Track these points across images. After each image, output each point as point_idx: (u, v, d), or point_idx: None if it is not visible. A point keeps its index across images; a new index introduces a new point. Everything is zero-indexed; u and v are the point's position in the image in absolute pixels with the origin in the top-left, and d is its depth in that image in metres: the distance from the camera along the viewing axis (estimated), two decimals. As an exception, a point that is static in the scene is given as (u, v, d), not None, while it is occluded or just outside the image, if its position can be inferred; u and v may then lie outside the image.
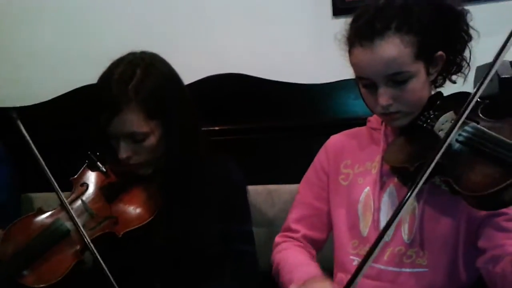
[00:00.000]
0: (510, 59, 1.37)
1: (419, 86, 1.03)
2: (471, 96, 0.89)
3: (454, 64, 1.08)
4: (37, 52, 1.83)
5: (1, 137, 1.56)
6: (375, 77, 1.03)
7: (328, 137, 1.28)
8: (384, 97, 1.03)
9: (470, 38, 1.07)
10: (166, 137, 1.18)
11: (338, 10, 1.62)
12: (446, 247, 1.04)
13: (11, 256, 1.15)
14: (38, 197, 1.69)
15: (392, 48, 0.99)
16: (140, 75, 1.14)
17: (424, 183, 0.90)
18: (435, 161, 0.88)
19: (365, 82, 1.06)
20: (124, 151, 1.16)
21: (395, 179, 1.09)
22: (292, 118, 1.68)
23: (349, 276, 0.92)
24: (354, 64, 1.06)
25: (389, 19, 1.00)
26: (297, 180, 1.52)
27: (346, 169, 1.18)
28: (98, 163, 1.25)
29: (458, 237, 1.04)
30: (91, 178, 1.28)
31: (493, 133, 0.89)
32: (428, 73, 1.04)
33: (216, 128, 1.68)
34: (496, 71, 1.37)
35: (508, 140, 0.85)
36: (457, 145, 0.93)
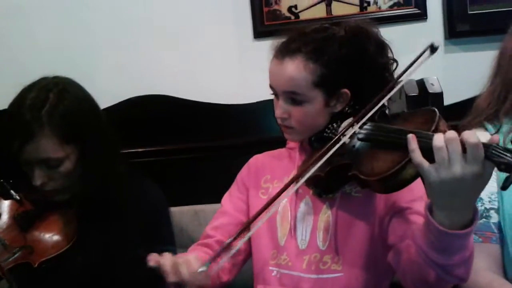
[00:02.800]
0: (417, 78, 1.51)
1: (312, 112, 1.09)
2: (370, 104, 1.00)
3: (362, 99, 1.11)
4: None
5: None
6: (277, 89, 1.11)
7: (252, 156, 1.31)
8: (280, 110, 1.11)
9: (389, 69, 1.12)
10: (82, 161, 1.17)
11: (258, 33, 1.69)
12: (361, 252, 1.09)
13: None
14: None
15: (295, 69, 1.06)
16: (53, 100, 1.13)
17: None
18: (332, 151, 0.97)
19: (272, 91, 1.13)
20: (38, 178, 1.14)
21: (310, 192, 1.14)
22: (216, 138, 1.71)
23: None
24: (269, 73, 1.13)
25: (304, 44, 1.06)
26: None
27: (265, 184, 1.22)
28: (11, 191, 1.21)
29: (372, 241, 1.09)
30: (4, 206, 1.24)
31: (387, 125, 0.98)
32: (327, 104, 1.10)
33: (140, 150, 1.67)
34: (404, 90, 1.49)
35: (399, 127, 0.94)
36: (358, 143, 1.01)
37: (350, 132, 1.01)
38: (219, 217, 1.26)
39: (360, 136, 1.01)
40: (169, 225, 1.32)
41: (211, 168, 1.68)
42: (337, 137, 1.01)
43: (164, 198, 1.32)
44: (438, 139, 0.81)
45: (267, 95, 1.17)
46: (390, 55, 1.11)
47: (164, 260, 0.94)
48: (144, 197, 1.28)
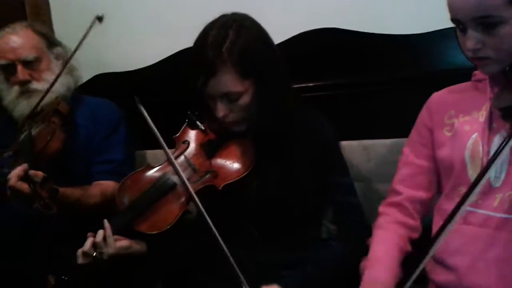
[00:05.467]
0: None
1: (510, 34, 0.96)
2: None
3: None
4: (139, 22, 1.96)
5: (115, 99, 1.71)
6: (464, 18, 0.99)
7: (427, 90, 1.24)
8: (471, 41, 0.99)
9: None
10: (259, 95, 1.22)
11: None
12: None
13: (127, 206, 1.30)
14: (147, 154, 1.84)
15: None
16: (232, 37, 1.18)
17: None
18: None
19: (457, 24, 1.02)
20: (220, 110, 1.22)
21: (507, 125, 1.03)
22: (389, 71, 1.63)
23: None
24: (448, 5, 1.03)
25: None
26: (393, 135, 1.50)
27: (450, 120, 1.15)
28: (197, 121, 1.33)
29: None
30: (192, 136, 1.36)
31: None
32: None
33: (310, 84, 1.68)
34: None
35: None
36: None
37: None
38: (403, 168, 1.23)
39: None
40: (341, 157, 1.33)
41: (383, 102, 1.63)
42: None
43: (334, 131, 1.32)
44: None
45: (447, 22, 1.07)
46: None
47: None
48: (315, 130, 1.30)
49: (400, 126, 1.30)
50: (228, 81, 1.18)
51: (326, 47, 1.68)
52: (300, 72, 1.44)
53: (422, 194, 1.20)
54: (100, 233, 1.25)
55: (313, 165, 1.28)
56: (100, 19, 1.45)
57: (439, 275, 1.13)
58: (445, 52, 1.54)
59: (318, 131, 1.30)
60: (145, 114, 1.31)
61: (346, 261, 1.23)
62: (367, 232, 1.23)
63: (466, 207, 0.95)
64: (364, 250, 1.18)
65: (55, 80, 1.49)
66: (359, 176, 1.57)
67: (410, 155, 1.22)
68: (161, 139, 1.29)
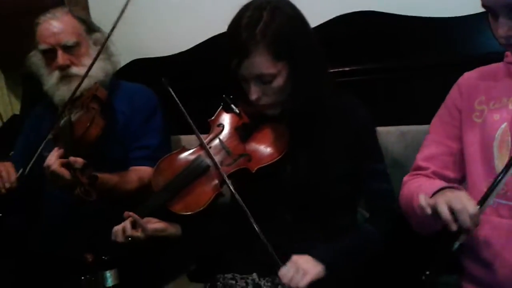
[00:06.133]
0: None
1: None
2: None
3: None
4: (176, 7, 1.98)
5: (151, 85, 1.73)
6: (495, 6, 0.97)
7: (462, 74, 1.20)
8: (504, 27, 0.97)
9: None
10: (293, 77, 1.21)
11: None
12: None
13: (162, 187, 1.32)
14: (182, 139, 1.86)
15: None
16: (266, 18, 1.18)
17: None
18: None
19: (488, 10, 1.00)
20: (254, 92, 1.22)
21: None
22: (425, 56, 1.59)
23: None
24: None
25: None
26: (430, 121, 1.46)
27: (480, 106, 1.12)
28: (232, 105, 1.34)
29: None
30: (226, 119, 1.37)
31: None
32: None
33: (346, 69, 1.66)
34: None
35: None
36: None
37: None
38: (430, 145, 1.20)
39: None
40: (376, 143, 1.31)
41: (420, 87, 1.59)
42: None
43: (370, 116, 1.30)
44: None
45: (476, 8, 1.05)
46: None
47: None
48: (350, 115, 1.28)
49: (436, 112, 1.26)
50: (261, 63, 1.18)
51: (363, 31, 1.66)
52: (336, 57, 1.42)
53: (448, 173, 1.17)
54: (136, 215, 1.28)
55: (347, 151, 1.26)
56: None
57: (474, 269, 1.10)
58: (483, 36, 1.49)
59: (353, 117, 1.28)
60: (174, 95, 1.32)
61: (378, 244, 1.22)
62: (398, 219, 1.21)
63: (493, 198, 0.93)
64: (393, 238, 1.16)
65: (93, 64, 1.52)
66: (396, 162, 1.53)
67: (439, 133, 1.19)
68: (191, 123, 1.30)
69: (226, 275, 1.26)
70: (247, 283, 1.24)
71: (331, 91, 1.30)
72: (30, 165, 1.53)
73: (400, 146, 1.55)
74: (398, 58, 1.63)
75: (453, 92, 1.19)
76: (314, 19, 1.42)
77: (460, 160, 1.16)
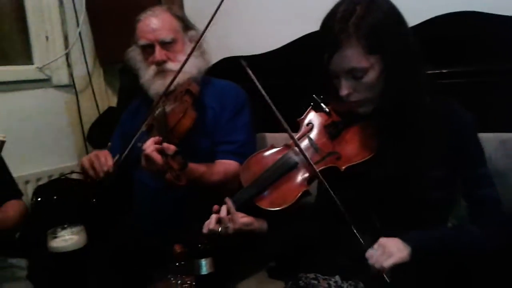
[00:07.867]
0: None
1: None
2: None
3: None
4: (265, 8, 2.00)
5: (240, 82, 1.75)
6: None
7: None
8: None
9: None
10: (385, 73, 1.18)
11: None
12: None
13: (250, 182, 1.34)
14: (267, 136, 1.88)
15: None
16: (360, 12, 1.16)
17: None
18: None
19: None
20: (345, 88, 1.20)
21: None
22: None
23: None
24: None
25: None
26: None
27: None
28: (322, 104, 1.33)
29: None
30: (316, 118, 1.37)
31: None
32: None
33: (444, 71, 1.59)
34: None
35: None
36: None
37: None
38: None
39: None
40: (480, 145, 1.25)
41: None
42: None
43: (472, 117, 1.24)
44: None
45: None
46: None
47: None
48: (450, 116, 1.23)
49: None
50: (353, 56, 1.16)
51: (463, 32, 1.58)
52: (435, 58, 1.36)
53: None
54: (224, 208, 1.31)
55: (444, 155, 1.21)
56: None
57: None
58: None
59: (454, 118, 1.23)
60: (252, 76, 1.32)
61: (480, 245, 1.18)
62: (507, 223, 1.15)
63: None
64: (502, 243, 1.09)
65: (187, 60, 1.57)
66: (495, 172, 1.43)
67: None
68: (282, 119, 1.30)
69: (308, 275, 1.25)
70: (329, 285, 1.22)
71: (427, 92, 1.24)
72: (125, 152, 1.61)
73: (500, 155, 1.46)
74: (500, 60, 1.54)
75: None
76: (414, 18, 1.37)
77: None
